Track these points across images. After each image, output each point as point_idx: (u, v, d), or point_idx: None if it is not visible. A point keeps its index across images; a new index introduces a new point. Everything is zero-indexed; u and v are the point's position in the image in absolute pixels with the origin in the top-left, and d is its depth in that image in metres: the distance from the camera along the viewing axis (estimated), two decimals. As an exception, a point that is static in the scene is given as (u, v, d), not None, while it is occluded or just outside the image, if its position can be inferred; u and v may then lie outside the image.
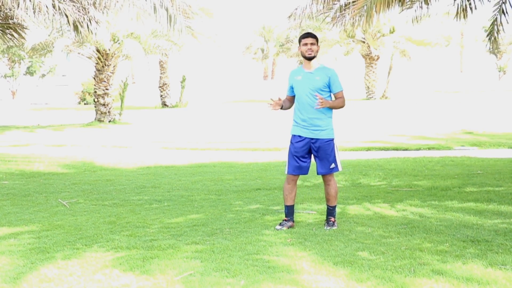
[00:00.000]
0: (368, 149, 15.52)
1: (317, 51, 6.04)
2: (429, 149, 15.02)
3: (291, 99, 6.23)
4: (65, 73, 56.79)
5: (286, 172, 6.19)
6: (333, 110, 6.07)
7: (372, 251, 5.01)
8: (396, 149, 15.22)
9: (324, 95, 6.00)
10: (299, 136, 6.07)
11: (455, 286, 4.09)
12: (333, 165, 6.06)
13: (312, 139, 6.03)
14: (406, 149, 15.14)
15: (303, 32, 6.22)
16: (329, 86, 6.03)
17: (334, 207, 6.17)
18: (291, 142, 6.15)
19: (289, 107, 6.25)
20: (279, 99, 6.10)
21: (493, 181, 8.97)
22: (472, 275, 4.29)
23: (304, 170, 6.13)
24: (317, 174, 6.17)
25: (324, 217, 6.55)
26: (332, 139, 6.08)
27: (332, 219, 6.12)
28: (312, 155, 6.15)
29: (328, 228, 6.02)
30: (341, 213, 6.82)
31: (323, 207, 7.19)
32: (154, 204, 7.89)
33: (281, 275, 4.40)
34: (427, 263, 4.60)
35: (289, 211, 6.16)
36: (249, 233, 5.81)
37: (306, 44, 6.02)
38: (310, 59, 6.03)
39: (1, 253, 5.24)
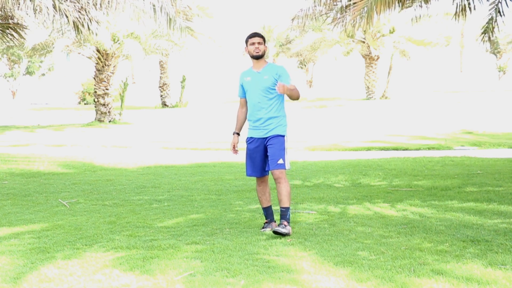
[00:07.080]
0: (368, 149, 15.54)
1: (264, 51, 5.98)
2: (429, 149, 15.04)
3: (245, 103, 6.14)
4: (65, 73, 56.77)
5: (247, 175, 6.13)
6: (286, 108, 6.05)
7: (372, 251, 5.00)
8: (396, 149, 15.25)
9: (274, 94, 5.92)
10: (251, 137, 6.04)
11: (455, 286, 4.09)
12: (280, 161, 5.84)
13: (264, 138, 5.97)
14: (406, 149, 15.16)
15: (251, 32, 6.15)
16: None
17: (287, 208, 5.73)
18: (246, 144, 6.12)
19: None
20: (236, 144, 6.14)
21: (493, 181, 8.97)
22: (472, 275, 4.28)
23: (264, 171, 6.01)
24: (265, 170, 6.02)
25: (324, 217, 6.56)
26: (283, 136, 5.95)
27: (285, 222, 5.66)
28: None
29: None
30: (341, 213, 6.83)
31: (323, 207, 7.21)
32: (154, 204, 7.89)
33: (281, 275, 4.40)
34: (427, 263, 4.60)
35: (267, 212, 6.05)
36: (249, 233, 5.81)
37: (253, 43, 5.98)
38: (257, 58, 5.98)
39: (1, 253, 5.24)
